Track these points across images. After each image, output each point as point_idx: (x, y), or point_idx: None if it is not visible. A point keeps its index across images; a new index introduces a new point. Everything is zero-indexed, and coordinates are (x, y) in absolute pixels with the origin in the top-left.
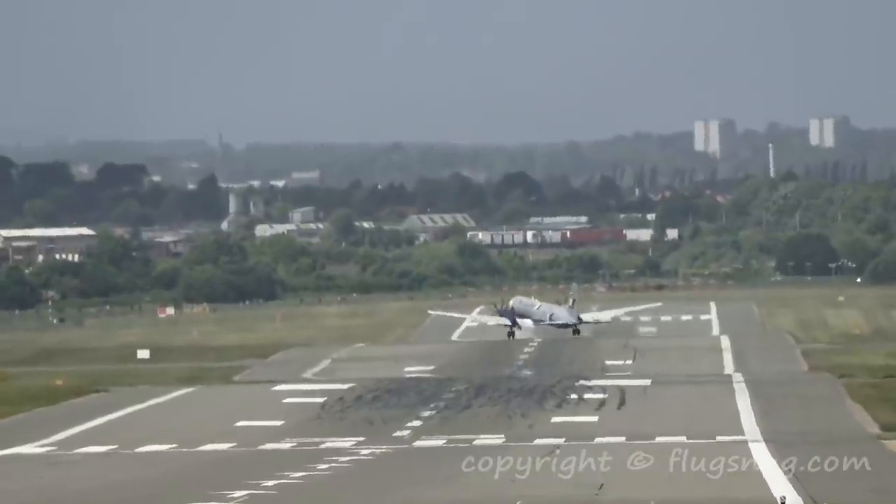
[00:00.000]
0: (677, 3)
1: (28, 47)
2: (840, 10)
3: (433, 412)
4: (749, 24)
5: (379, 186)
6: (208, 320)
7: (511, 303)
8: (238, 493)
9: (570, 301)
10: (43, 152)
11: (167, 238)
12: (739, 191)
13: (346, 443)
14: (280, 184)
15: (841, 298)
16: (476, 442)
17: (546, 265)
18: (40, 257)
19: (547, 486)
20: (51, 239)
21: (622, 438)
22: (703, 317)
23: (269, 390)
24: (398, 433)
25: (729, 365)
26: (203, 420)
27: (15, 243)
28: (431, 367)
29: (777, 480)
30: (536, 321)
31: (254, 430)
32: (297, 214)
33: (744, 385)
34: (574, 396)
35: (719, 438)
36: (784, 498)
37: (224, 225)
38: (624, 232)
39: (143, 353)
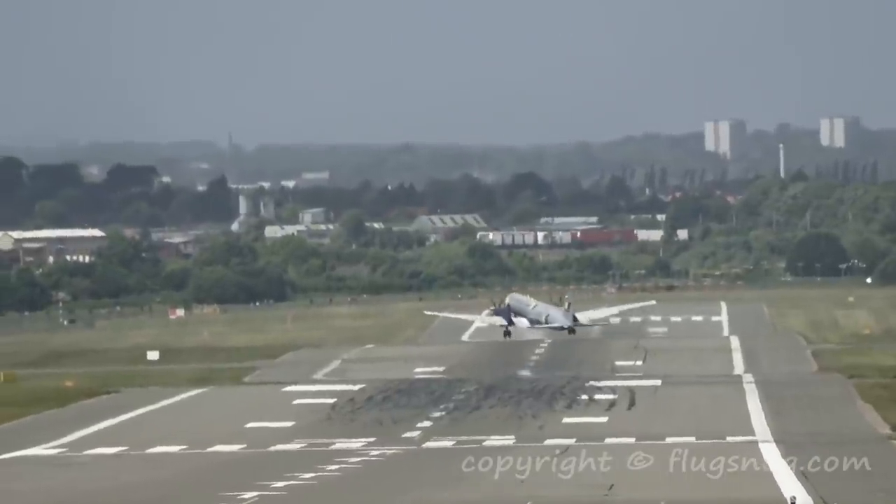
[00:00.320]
0: (687, 4)
1: (38, 49)
2: (851, 11)
3: (443, 413)
4: (759, 24)
5: (389, 187)
6: (218, 321)
7: (507, 300)
8: (248, 495)
9: (566, 305)
10: (53, 154)
11: (177, 239)
12: (750, 191)
13: (356, 444)
14: (290, 185)
15: (851, 299)
16: (486, 443)
17: (556, 266)
18: (51, 258)
19: (557, 486)
20: (61, 240)
21: (632, 439)
22: (714, 317)
23: (280, 391)
24: (408, 434)
25: (739, 365)
26: (213, 421)
27: (25, 244)
28: (442, 368)
29: (787, 481)
30: (532, 321)
31: (264, 432)
32: (307, 215)
33: (754, 386)
34: (584, 397)
35: (729, 439)
36: (794, 498)
37: (234, 226)
38: (634, 232)
39: (154, 355)
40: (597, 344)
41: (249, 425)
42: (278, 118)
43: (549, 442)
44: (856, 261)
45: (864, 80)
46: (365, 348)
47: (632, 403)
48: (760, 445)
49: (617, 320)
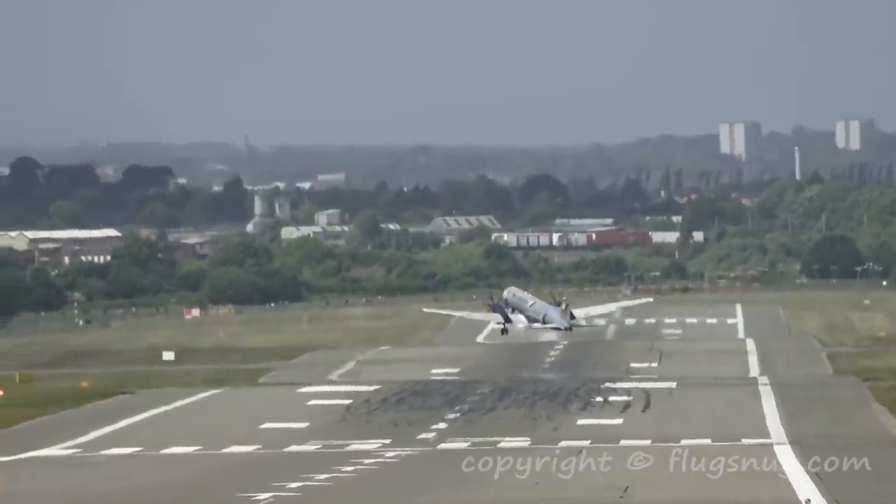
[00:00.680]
0: (703, 6)
1: (54, 50)
2: (866, 13)
3: (458, 415)
4: (775, 26)
5: (404, 188)
6: (234, 322)
7: (504, 294)
8: (263, 496)
9: (564, 306)
10: (69, 154)
11: (193, 240)
12: (765, 193)
13: (372, 445)
14: (306, 186)
15: (867, 301)
16: (501, 444)
17: (572, 267)
18: (66, 259)
19: (572, 488)
20: (77, 240)
21: (647, 441)
22: (729, 320)
23: (295, 392)
24: (423, 435)
25: (754, 368)
26: (228, 422)
27: (41, 245)
28: (457, 370)
29: (802, 483)
30: (529, 319)
31: (279, 432)
32: (322, 216)
33: (769, 388)
34: (599, 399)
35: (745, 441)
36: (809, 501)
37: (249, 227)
38: (650, 234)
39: (169, 355)
40: (612, 346)
41: (264, 426)
42: (294, 119)
43: (563, 444)
44: (871, 263)
45: (880, 82)
46: (380, 349)
47: (647, 405)
48: (776, 448)
49: (617, 315)
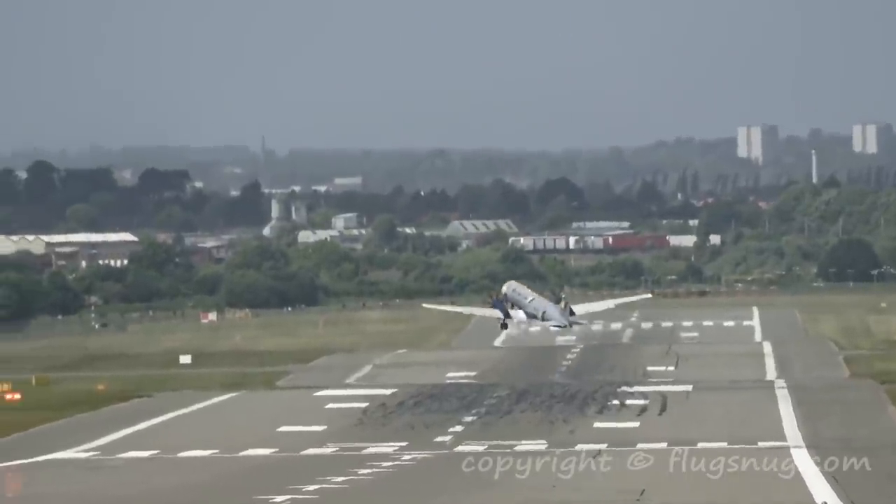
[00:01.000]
0: (721, 9)
1: (71, 54)
2: (883, 17)
3: (475, 418)
4: (793, 30)
5: (421, 192)
6: (251, 326)
7: (504, 289)
8: (280, 499)
9: (563, 304)
10: (86, 158)
11: (210, 243)
12: (782, 197)
13: (389, 448)
14: (323, 189)
15: (883, 305)
16: (518, 447)
17: (588, 271)
18: (83, 263)
19: (589, 491)
20: (93, 244)
21: (664, 444)
22: (746, 323)
23: (312, 396)
24: (440, 439)
25: (771, 371)
26: (245, 425)
27: (58, 249)
28: (473, 373)
29: (818, 485)
30: (529, 315)
31: (296, 436)
32: (339, 220)
33: (786, 391)
34: (616, 402)
35: (761, 444)
36: (825, 503)
37: (266, 230)
38: (667, 238)
39: (186, 359)
40: (629, 349)
41: (281, 429)
42: (311, 123)
43: (580, 447)
44: (888, 267)
45: None
46: (397, 353)
47: (663, 408)
48: (792, 451)
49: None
